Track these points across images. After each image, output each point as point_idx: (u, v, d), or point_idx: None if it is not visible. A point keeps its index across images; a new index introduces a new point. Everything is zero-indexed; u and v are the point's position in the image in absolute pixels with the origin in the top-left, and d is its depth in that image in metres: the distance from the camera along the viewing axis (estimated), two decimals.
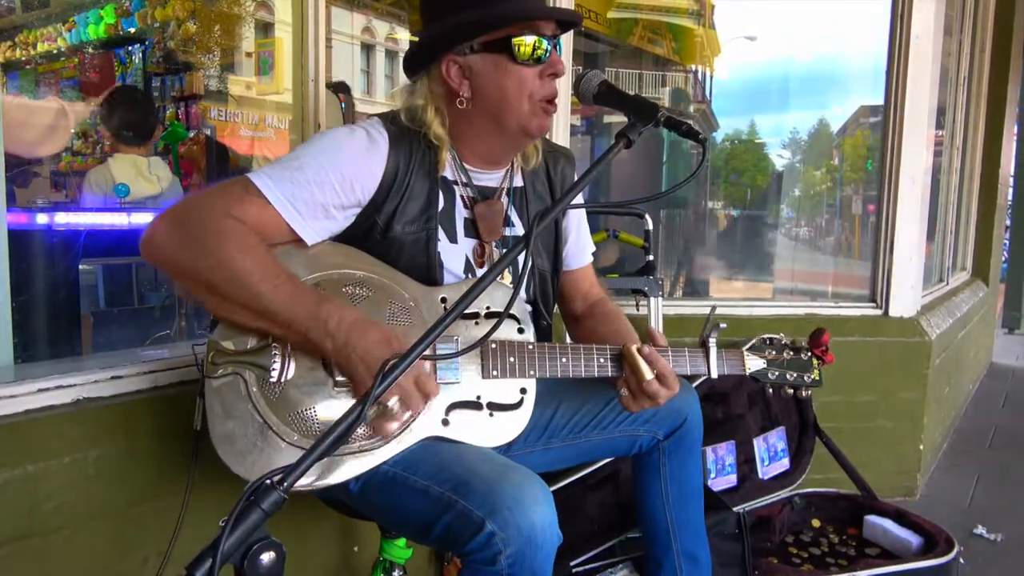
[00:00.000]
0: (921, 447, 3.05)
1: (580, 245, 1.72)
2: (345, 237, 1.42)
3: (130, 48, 5.92)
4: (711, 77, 6.38)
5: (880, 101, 3.11)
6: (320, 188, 1.33)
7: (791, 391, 1.53)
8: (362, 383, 1.24)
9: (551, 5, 1.44)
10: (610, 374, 1.42)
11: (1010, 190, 6.77)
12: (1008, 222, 7.10)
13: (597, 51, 5.81)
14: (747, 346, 1.54)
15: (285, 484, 0.84)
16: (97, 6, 5.90)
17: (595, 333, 1.59)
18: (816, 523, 2.57)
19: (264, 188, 1.29)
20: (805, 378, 1.53)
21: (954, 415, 4.11)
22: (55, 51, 6.22)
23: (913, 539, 2.36)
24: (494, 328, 1.12)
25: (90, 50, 5.89)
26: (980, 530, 2.75)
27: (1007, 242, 7.42)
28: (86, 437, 1.49)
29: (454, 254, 1.47)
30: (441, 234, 1.45)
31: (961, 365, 4.23)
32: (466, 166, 1.50)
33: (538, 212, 1.08)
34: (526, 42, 1.36)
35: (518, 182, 1.57)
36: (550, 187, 1.61)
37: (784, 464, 2.68)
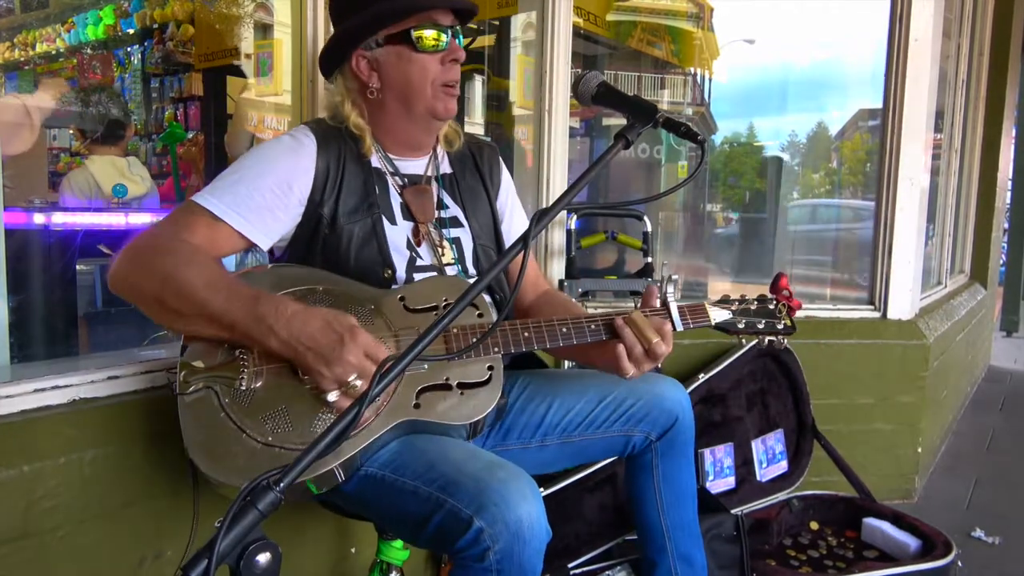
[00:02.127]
0: (919, 450, 3.05)
1: (515, 225, 1.77)
2: (297, 236, 1.50)
3: (129, 49, 5.92)
4: (710, 80, 6.38)
5: (879, 104, 3.11)
6: (260, 193, 1.42)
7: (767, 340, 1.52)
8: (316, 372, 1.25)
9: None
10: (574, 342, 1.44)
11: (1008, 193, 6.78)
12: (1006, 225, 7.11)
13: (596, 53, 5.81)
14: (709, 301, 1.54)
15: (282, 484, 0.84)
16: (96, 7, 5.91)
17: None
18: (814, 525, 2.57)
19: (208, 205, 1.38)
20: (777, 325, 1.51)
21: (952, 418, 4.11)
22: (54, 52, 6.23)
23: (911, 542, 2.36)
24: (494, 326, 1.13)
25: (89, 51, 5.89)
26: (978, 533, 2.75)
27: (1005, 245, 7.43)
28: (82, 437, 1.49)
29: (397, 235, 1.55)
30: (383, 218, 1.54)
31: (959, 368, 4.23)
32: (390, 156, 1.60)
33: (537, 212, 1.09)
34: (425, 33, 1.48)
35: (447, 169, 1.67)
36: (479, 174, 1.71)
37: (782, 466, 2.68)
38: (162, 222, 1.41)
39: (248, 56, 5.51)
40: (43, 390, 1.50)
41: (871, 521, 2.49)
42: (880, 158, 3.06)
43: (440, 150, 1.67)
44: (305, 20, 2.12)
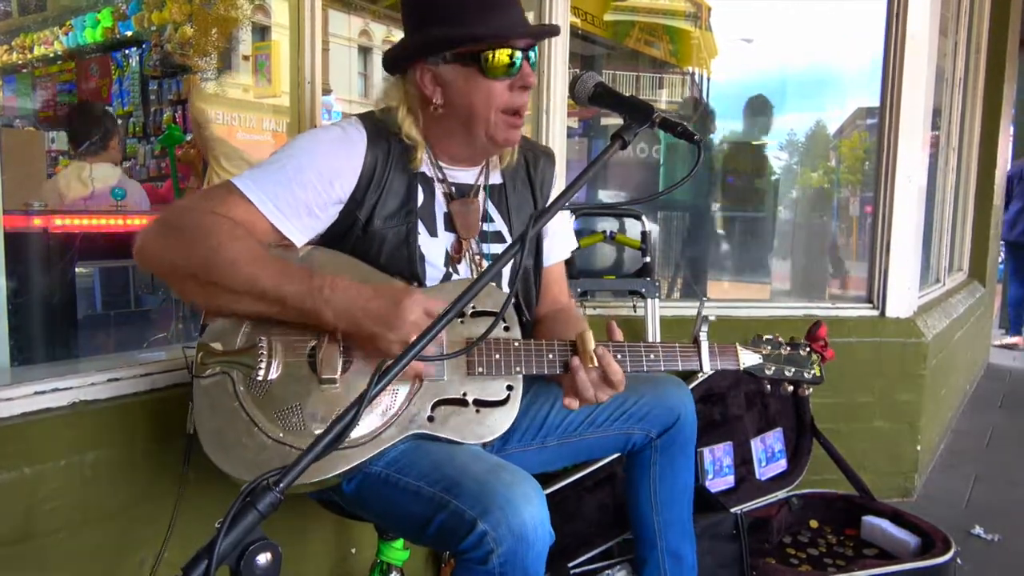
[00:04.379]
0: (918, 448, 3.06)
1: (557, 240, 1.72)
2: (329, 235, 1.44)
3: (127, 51, 5.92)
4: (708, 79, 6.38)
5: (876, 103, 3.11)
6: (301, 187, 1.36)
7: (791, 388, 1.51)
8: (380, 337, 1.24)
9: (527, 16, 1.41)
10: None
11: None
12: None
13: (594, 53, 5.82)
14: (741, 341, 1.53)
15: (281, 485, 0.84)
16: (94, 9, 5.90)
17: (551, 333, 1.54)
18: (814, 524, 2.58)
19: (247, 191, 1.33)
20: (805, 374, 1.50)
21: (951, 415, 4.11)
22: (52, 55, 6.22)
23: (911, 539, 2.36)
24: (491, 327, 1.12)
25: (87, 54, 5.89)
26: (978, 530, 2.75)
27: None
28: (83, 439, 1.49)
29: (435, 247, 1.49)
30: (421, 228, 1.48)
31: (958, 366, 4.23)
32: (440, 164, 1.52)
33: (534, 213, 1.09)
34: (496, 56, 1.37)
35: (496, 179, 1.60)
36: (531, 185, 1.64)
37: (782, 465, 2.68)
38: (197, 197, 1.37)
39: (246, 58, 5.51)
40: (43, 392, 1.50)
41: (870, 519, 2.49)
42: (878, 156, 3.06)
43: (494, 159, 1.59)
44: (303, 22, 2.11)
